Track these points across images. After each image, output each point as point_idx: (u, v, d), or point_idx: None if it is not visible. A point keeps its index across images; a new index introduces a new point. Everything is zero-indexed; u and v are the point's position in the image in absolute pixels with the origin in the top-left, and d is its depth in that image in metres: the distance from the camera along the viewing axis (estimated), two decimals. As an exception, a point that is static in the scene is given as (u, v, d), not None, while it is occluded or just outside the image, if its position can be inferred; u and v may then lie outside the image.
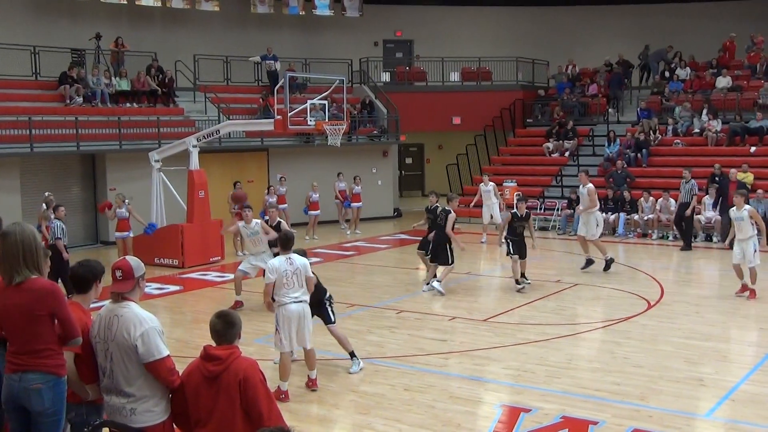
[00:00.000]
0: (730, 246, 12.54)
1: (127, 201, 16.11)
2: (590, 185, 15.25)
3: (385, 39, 29.14)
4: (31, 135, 18.11)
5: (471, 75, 27.56)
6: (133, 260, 4.90)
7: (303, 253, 8.42)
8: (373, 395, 8.16)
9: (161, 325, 4.78)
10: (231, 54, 24.87)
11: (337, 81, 18.13)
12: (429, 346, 10.05)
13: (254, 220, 12.32)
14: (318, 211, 20.79)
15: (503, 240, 13.69)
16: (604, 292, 13.38)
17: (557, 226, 21.10)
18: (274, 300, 8.14)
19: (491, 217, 19.56)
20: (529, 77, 28.38)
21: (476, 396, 8.17)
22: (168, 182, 17.83)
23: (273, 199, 19.45)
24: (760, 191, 18.40)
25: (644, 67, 27.19)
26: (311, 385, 8.34)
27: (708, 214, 18.67)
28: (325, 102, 18.50)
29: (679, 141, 22.71)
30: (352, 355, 8.99)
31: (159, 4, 24.49)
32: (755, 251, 12.21)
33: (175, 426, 4.83)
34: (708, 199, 18.65)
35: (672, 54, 26.50)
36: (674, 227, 18.57)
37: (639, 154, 22.48)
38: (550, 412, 7.49)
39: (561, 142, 24.49)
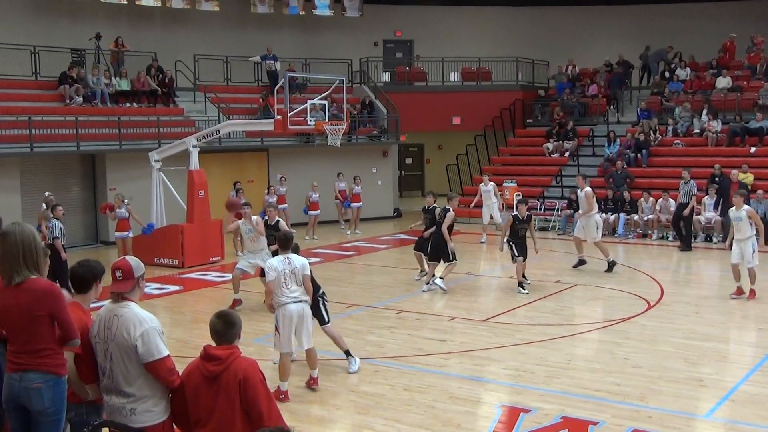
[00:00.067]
0: (730, 247, 12.54)
1: (126, 201, 16.12)
2: (588, 189, 15.28)
3: (385, 39, 29.14)
4: (31, 135, 18.10)
5: (471, 75, 27.56)
6: (132, 260, 4.90)
7: (296, 249, 8.41)
8: (372, 395, 8.16)
9: (161, 325, 4.78)
10: (231, 54, 24.87)
11: (337, 81, 18.13)
12: (429, 346, 10.05)
13: (253, 217, 12.32)
14: (318, 211, 20.80)
15: (505, 243, 13.65)
16: (603, 293, 13.38)
17: (557, 227, 21.10)
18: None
19: (491, 217, 19.58)
20: (529, 77, 28.39)
21: (476, 396, 8.17)
22: (168, 182, 17.84)
23: (273, 199, 19.45)
24: (760, 192, 18.40)
25: (645, 67, 27.20)
26: (312, 383, 8.33)
27: (708, 214, 18.67)
28: (325, 102, 18.50)
29: (679, 141, 22.72)
30: (348, 353, 8.99)
31: (159, 4, 24.49)
32: (754, 252, 12.22)
33: (174, 426, 4.83)
34: (708, 200, 18.65)
35: (672, 54, 26.51)
36: (672, 227, 18.58)
37: (639, 155, 22.49)
38: (550, 413, 7.49)
39: (561, 142, 24.49)
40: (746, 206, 12.38)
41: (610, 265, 14.94)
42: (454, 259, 13.43)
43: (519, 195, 19.70)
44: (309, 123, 16.88)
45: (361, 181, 21.89)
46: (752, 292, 12.38)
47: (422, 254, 14.30)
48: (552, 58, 28.63)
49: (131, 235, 16.21)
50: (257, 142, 22.60)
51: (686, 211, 17.74)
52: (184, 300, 13.69)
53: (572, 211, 19.31)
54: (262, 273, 12.10)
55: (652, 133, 23.13)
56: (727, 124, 22.48)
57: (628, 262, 16.37)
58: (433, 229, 13.67)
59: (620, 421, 7.26)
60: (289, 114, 15.88)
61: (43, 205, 13.55)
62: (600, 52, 27.76)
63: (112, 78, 21.73)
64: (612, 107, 25.91)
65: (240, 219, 12.40)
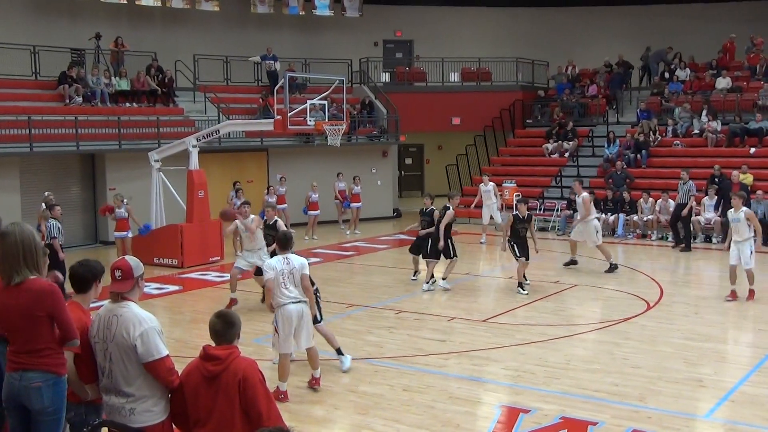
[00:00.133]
0: (728, 248, 12.54)
1: (125, 201, 16.14)
2: (585, 194, 15.32)
3: (384, 39, 29.14)
4: (31, 135, 18.10)
5: (471, 75, 27.56)
6: (132, 260, 4.90)
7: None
8: (372, 395, 8.16)
9: (160, 324, 4.78)
10: (231, 54, 24.88)
11: (337, 81, 18.12)
12: (428, 346, 10.05)
13: (251, 216, 12.32)
14: (317, 212, 20.80)
15: (507, 244, 13.68)
16: (603, 293, 13.38)
17: (557, 227, 21.10)
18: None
19: (491, 217, 19.58)
20: (529, 78, 28.39)
21: (475, 396, 8.17)
22: (168, 182, 17.84)
23: (273, 199, 19.43)
24: (759, 192, 18.41)
25: (645, 68, 27.21)
26: (314, 383, 8.31)
27: (707, 215, 18.67)
28: (325, 102, 18.50)
29: (678, 142, 22.72)
30: (339, 351, 8.96)
31: (159, 3, 24.48)
32: (751, 253, 12.21)
33: (174, 426, 4.83)
34: (708, 200, 18.65)
35: (672, 55, 26.53)
36: (670, 227, 18.60)
37: (638, 155, 22.49)
38: (550, 413, 7.49)
39: (560, 142, 24.50)
40: (745, 208, 12.38)
41: (612, 267, 14.94)
42: (455, 255, 13.55)
43: (518, 195, 19.71)
44: (309, 123, 16.88)
45: (360, 181, 21.89)
46: (751, 292, 12.38)
47: (418, 257, 14.36)
48: (552, 58, 28.64)
49: (131, 235, 16.22)
50: (257, 142, 22.60)
51: (684, 212, 17.75)
52: (184, 300, 13.68)
53: (572, 212, 19.32)
54: (256, 272, 12.17)
55: (651, 133, 23.13)
56: (726, 124, 22.48)
57: (628, 262, 16.37)
58: (431, 229, 13.72)
59: (619, 421, 7.26)
60: (288, 114, 15.88)
61: (43, 204, 13.54)
62: (600, 52, 27.78)
63: (112, 78, 21.74)
64: (612, 108, 25.92)
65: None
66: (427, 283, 13.59)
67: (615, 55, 27.23)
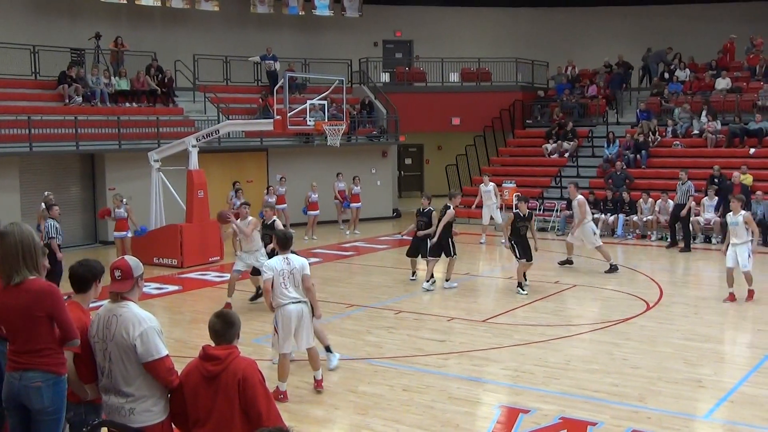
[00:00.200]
0: (726, 250, 12.55)
1: (125, 201, 16.14)
2: (580, 197, 15.33)
3: (384, 39, 29.15)
4: (30, 134, 18.09)
5: (470, 76, 27.56)
6: (131, 260, 4.89)
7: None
8: (371, 395, 8.16)
9: (160, 324, 4.78)
10: (231, 54, 24.88)
11: (337, 81, 18.12)
12: (428, 346, 10.05)
13: (249, 218, 12.31)
14: (317, 212, 20.79)
15: (508, 243, 13.70)
16: (602, 294, 13.38)
17: (556, 227, 21.10)
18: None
19: (491, 218, 19.57)
20: (529, 78, 28.39)
21: (475, 397, 8.17)
22: (167, 182, 17.84)
23: (272, 200, 19.46)
24: (759, 193, 18.41)
25: (646, 68, 27.22)
26: (317, 386, 8.25)
27: (707, 215, 18.67)
28: (325, 102, 18.50)
29: (678, 142, 22.72)
30: (328, 349, 8.95)
31: (159, 3, 24.48)
32: (749, 256, 12.22)
33: (173, 426, 4.83)
34: (707, 201, 18.66)
35: (671, 55, 26.54)
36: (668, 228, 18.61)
37: (638, 156, 22.49)
38: (549, 413, 7.49)
39: (560, 143, 24.50)
40: (743, 212, 12.38)
41: (612, 268, 14.95)
42: (454, 253, 13.66)
43: (518, 195, 19.70)
44: (308, 123, 16.88)
45: (360, 181, 21.89)
46: (750, 293, 12.39)
47: (416, 259, 14.39)
48: (551, 58, 28.65)
49: (130, 234, 16.22)
50: (256, 142, 22.60)
51: (683, 212, 17.75)
52: (183, 300, 13.68)
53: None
54: (253, 272, 12.20)
55: (651, 134, 23.14)
56: (726, 125, 22.49)
57: (627, 262, 16.38)
58: (430, 230, 13.77)
59: (619, 421, 7.26)
60: (288, 114, 15.88)
61: (42, 204, 13.53)
62: (599, 53, 27.78)
63: (112, 78, 21.73)
64: (612, 108, 25.92)
65: (237, 219, 12.41)
66: (428, 281, 13.61)
67: (615, 55, 27.24)
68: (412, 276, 14.56)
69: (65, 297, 4.95)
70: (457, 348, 9.94)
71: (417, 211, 14.33)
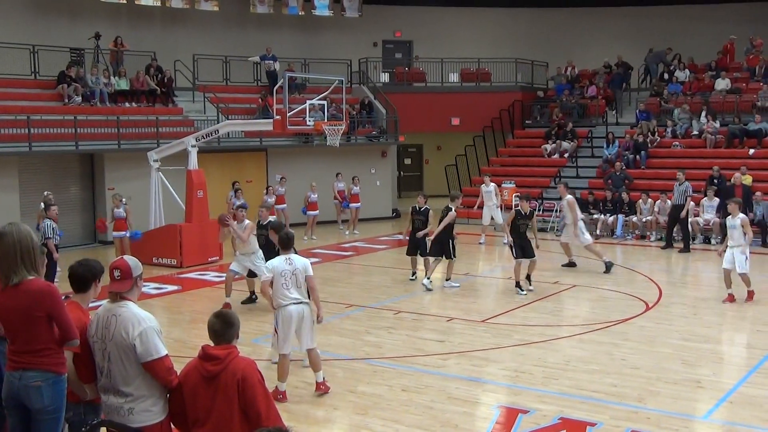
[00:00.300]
0: (724, 251, 12.57)
1: (124, 201, 16.13)
2: (569, 197, 15.33)
3: (384, 39, 29.15)
4: (30, 134, 18.09)
5: (470, 76, 27.57)
6: (131, 260, 4.89)
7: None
8: (371, 396, 8.16)
9: (159, 324, 4.78)
10: (230, 54, 24.88)
11: (336, 81, 18.12)
12: (427, 346, 10.05)
13: (246, 221, 12.30)
14: (316, 212, 20.78)
15: (508, 242, 13.69)
16: (601, 294, 13.38)
17: (556, 228, 21.10)
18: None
19: (492, 218, 19.57)
20: (528, 78, 28.40)
21: (474, 397, 8.17)
22: (167, 182, 17.84)
23: (272, 200, 19.47)
24: (758, 193, 18.41)
25: (647, 69, 27.23)
26: (319, 388, 8.15)
27: (706, 216, 18.67)
28: (324, 102, 18.50)
29: (677, 143, 22.73)
30: None
31: (158, 3, 24.48)
32: (746, 259, 12.22)
33: (172, 426, 4.83)
34: (707, 202, 18.66)
35: (671, 56, 26.55)
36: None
37: (637, 156, 22.50)
38: (548, 414, 7.49)
39: (559, 143, 24.50)
40: (741, 215, 12.39)
41: (608, 266, 14.95)
42: (454, 256, 13.72)
43: (518, 195, 19.71)
44: (308, 123, 16.88)
45: (359, 181, 21.90)
46: (750, 293, 12.39)
47: (416, 257, 14.40)
48: (551, 59, 28.65)
49: (129, 234, 16.18)
50: (256, 142, 22.60)
51: (683, 214, 17.74)
52: (183, 300, 13.68)
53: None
54: (249, 274, 12.20)
55: (650, 134, 23.14)
56: (725, 125, 22.50)
57: (627, 263, 16.39)
58: (427, 229, 13.81)
59: (618, 422, 7.27)
60: (288, 114, 15.88)
61: (42, 204, 13.52)
62: (599, 53, 27.79)
63: (111, 77, 21.72)
64: (611, 109, 25.92)
65: (234, 219, 12.40)
66: (428, 279, 13.63)
67: (614, 56, 27.24)
68: (412, 276, 14.57)
69: (64, 297, 4.95)
70: (457, 348, 9.94)
71: (412, 210, 14.36)
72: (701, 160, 21.24)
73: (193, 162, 17.20)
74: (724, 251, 12.48)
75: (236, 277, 12.29)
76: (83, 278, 4.94)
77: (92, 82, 21.01)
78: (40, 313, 4.71)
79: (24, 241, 4.82)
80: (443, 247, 13.62)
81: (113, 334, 4.65)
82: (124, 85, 21.90)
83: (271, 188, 20.36)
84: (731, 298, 12.32)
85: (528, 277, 13.41)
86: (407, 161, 32.50)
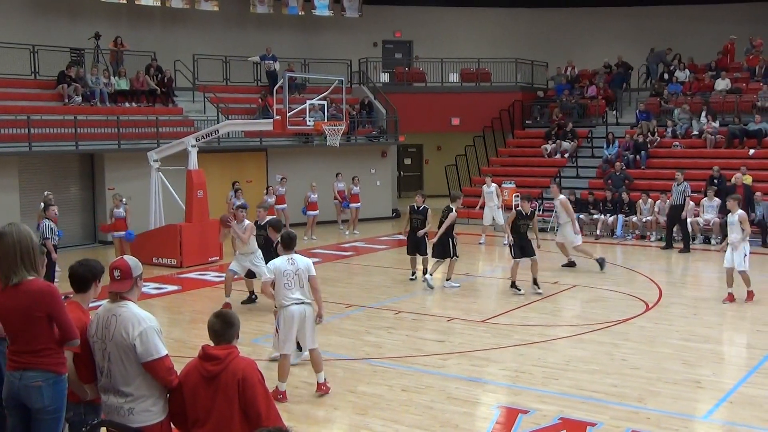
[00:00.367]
0: (725, 249, 12.57)
1: (124, 200, 16.13)
2: (562, 197, 15.39)
3: (384, 39, 29.16)
4: (30, 134, 18.08)
5: (470, 76, 27.57)
6: (130, 260, 4.89)
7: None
8: (371, 396, 8.15)
9: (159, 324, 4.77)
10: (230, 54, 24.89)
11: (336, 81, 18.12)
12: (427, 346, 10.05)
13: (245, 221, 12.30)
14: (316, 212, 20.78)
15: (509, 242, 13.71)
16: (601, 294, 13.38)
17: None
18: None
19: (493, 219, 19.57)
20: (528, 78, 28.40)
21: (474, 397, 8.17)
22: (167, 182, 17.84)
23: (272, 200, 19.46)
24: (758, 193, 18.41)
25: (648, 69, 27.23)
26: (320, 389, 8.12)
27: (706, 216, 18.67)
28: (324, 102, 18.49)
29: (677, 143, 22.72)
30: (298, 347, 8.85)
31: (158, 3, 24.49)
32: (745, 255, 12.21)
33: (172, 426, 4.83)
34: (707, 202, 18.65)
35: (671, 56, 26.54)
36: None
37: (638, 156, 22.50)
38: (548, 414, 7.49)
39: (559, 143, 24.50)
40: (740, 211, 12.39)
41: (601, 264, 14.98)
42: (455, 255, 13.72)
43: (518, 196, 19.71)
44: (308, 123, 16.87)
45: (359, 181, 21.90)
46: (750, 294, 12.38)
47: (415, 256, 14.40)
48: (551, 59, 28.65)
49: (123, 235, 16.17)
50: (256, 142, 22.60)
51: (683, 214, 17.74)
52: (183, 300, 13.68)
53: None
54: (248, 274, 12.20)
55: (650, 134, 23.14)
56: (725, 126, 22.50)
57: (627, 263, 16.39)
58: (426, 229, 13.79)
59: (618, 422, 7.26)
60: (288, 114, 15.88)
61: (41, 204, 13.51)
62: (599, 53, 27.80)
63: (111, 77, 21.72)
64: (611, 109, 25.91)
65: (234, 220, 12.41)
66: (429, 275, 13.65)
67: (614, 56, 27.24)
68: (412, 276, 14.57)
69: (64, 297, 4.95)
70: (457, 348, 9.94)
71: (411, 209, 14.37)
72: (701, 160, 21.24)
73: (193, 162, 17.20)
74: (725, 249, 12.47)
75: (236, 277, 12.29)
76: (83, 278, 4.93)
77: (92, 82, 21.01)
78: (40, 313, 4.71)
79: (24, 242, 4.82)
80: (445, 248, 13.63)
81: (113, 334, 4.65)
82: (124, 85, 21.90)
83: (271, 188, 20.36)
84: (731, 298, 12.32)
85: (535, 281, 13.31)
86: (407, 161, 32.51)
